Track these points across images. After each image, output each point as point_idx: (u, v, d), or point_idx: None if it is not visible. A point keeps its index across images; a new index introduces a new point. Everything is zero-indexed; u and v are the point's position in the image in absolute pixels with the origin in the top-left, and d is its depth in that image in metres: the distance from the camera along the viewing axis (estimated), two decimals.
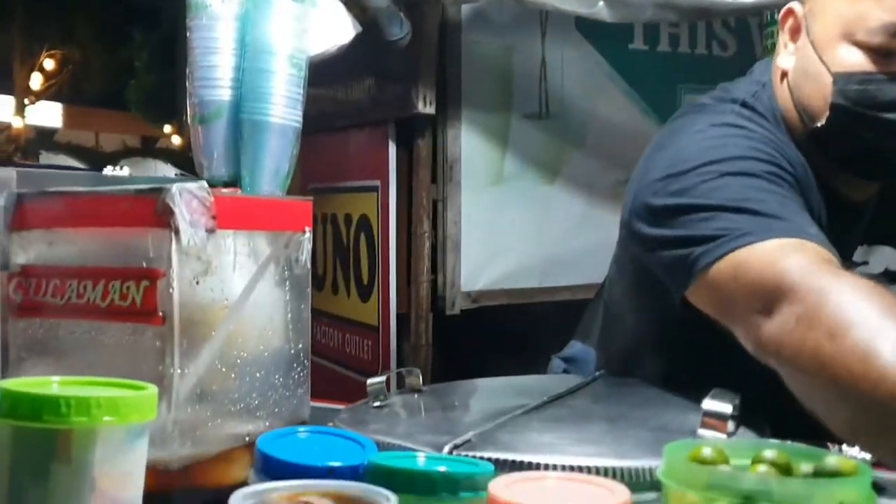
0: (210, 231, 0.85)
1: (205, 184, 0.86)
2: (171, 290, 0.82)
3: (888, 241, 1.16)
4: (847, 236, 1.11)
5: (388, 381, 0.92)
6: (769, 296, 0.83)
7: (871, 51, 0.96)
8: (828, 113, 1.00)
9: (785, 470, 0.57)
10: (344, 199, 2.72)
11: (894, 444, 0.76)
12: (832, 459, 0.56)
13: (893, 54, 0.95)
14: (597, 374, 1.01)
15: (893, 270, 1.14)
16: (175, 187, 0.82)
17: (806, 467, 0.57)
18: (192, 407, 0.84)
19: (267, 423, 0.94)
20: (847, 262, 1.10)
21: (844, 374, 0.75)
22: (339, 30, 1.38)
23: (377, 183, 2.55)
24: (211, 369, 0.87)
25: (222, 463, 0.88)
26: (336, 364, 2.76)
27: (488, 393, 0.97)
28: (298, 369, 1.00)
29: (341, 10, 1.39)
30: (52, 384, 0.76)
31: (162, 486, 0.81)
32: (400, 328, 2.47)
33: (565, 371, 1.37)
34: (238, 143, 1.28)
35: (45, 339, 0.90)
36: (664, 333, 1.06)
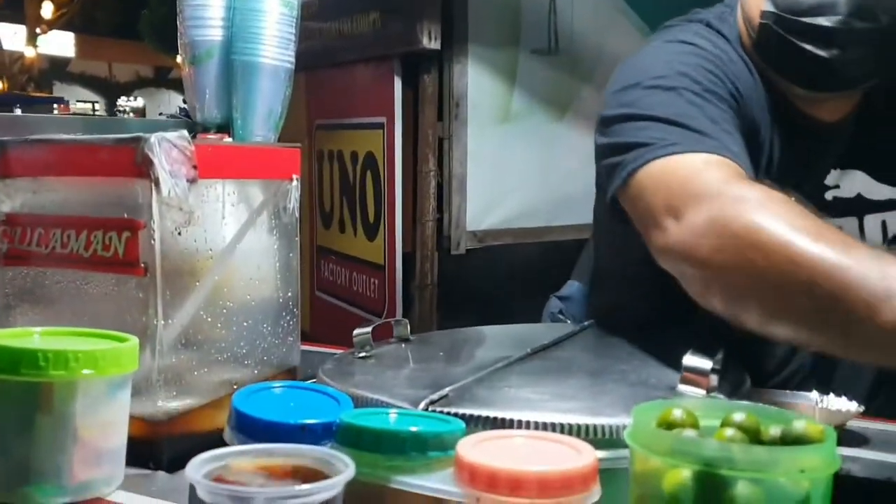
0: (191, 181, 0.84)
1: (185, 132, 0.85)
2: (152, 242, 0.82)
3: (863, 166, 1.10)
4: (814, 157, 1.07)
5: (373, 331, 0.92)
6: (685, 201, 0.84)
7: None
8: (760, 21, 1.00)
9: (753, 433, 0.56)
10: (350, 136, 2.69)
11: (803, 323, 0.77)
12: (799, 423, 0.55)
13: None
14: (586, 323, 1.00)
15: (866, 197, 1.09)
16: (154, 137, 0.81)
17: (774, 430, 0.56)
18: (177, 356, 0.84)
19: (255, 372, 0.95)
20: (817, 184, 1.09)
21: (763, 264, 0.75)
22: None
23: (383, 120, 2.51)
24: (196, 319, 0.87)
25: (210, 411, 0.89)
26: (343, 302, 2.78)
27: (475, 343, 0.97)
28: (287, 318, 1.00)
29: None
30: (33, 335, 0.77)
31: (148, 434, 0.82)
32: (406, 268, 2.47)
33: (560, 312, 1.36)
34: (230, 84, 1.27)
35: (32, 288, 0.90)
36: (627, 263, 1.07)
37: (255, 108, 1.24)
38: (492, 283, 2.52)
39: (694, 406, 0.59)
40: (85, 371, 0.70)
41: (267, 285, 0.97)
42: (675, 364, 0.79)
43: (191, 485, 0.50)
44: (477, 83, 2.37)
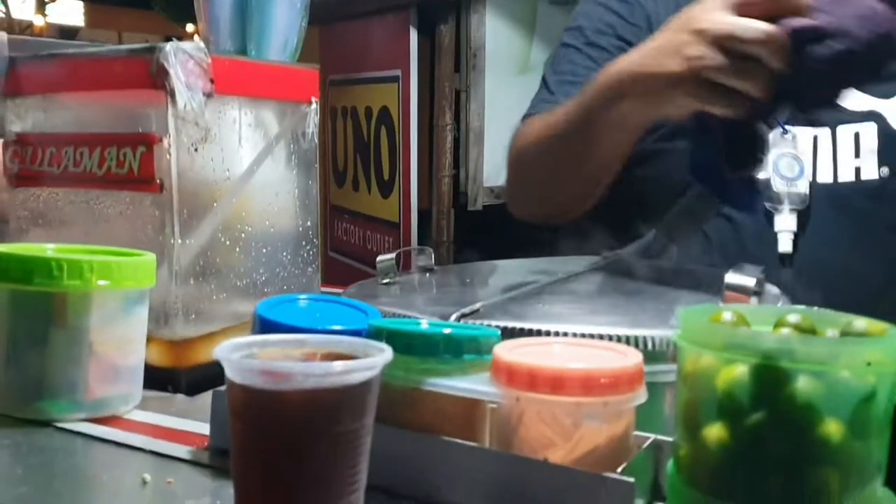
0: (208, 95, 0.81)
1: (201, 44, 0.81)
2: (168, 157, 0.78)
3: None
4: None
5: (398, 261, 0.88)
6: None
7: None
8: None
9: (809, 333, 0.53)
10: (364, 91, 2.65)
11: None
12: (860, 322, 0.52)
13: None
14: (617, 251, 0.96)
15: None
16: (169, 46, 0.78)
17: (832, 332, 0.53)
18: (194, 280, 0.82)
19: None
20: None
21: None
22: None
23: (398, 73, 2.47)
24: (214, 242, 0.84)
25: (228, 338, 0.86)
26: (357, 262, 2.75)
27: (503, 271, 0.94)
28: (307, 247, 0.97)
29: None
30: (46, 251, 0.74)
31: (167, 358, 0.80)
32: (421, 225, 2.43)
33: None
34: (244, 14, 1.23)
35: (44, 209, 0.87)
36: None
37: (270, 38, 1.20)
38: (509, 240, 2.47)
39: (744, 310, 0.56)
40: (100, 282, 0.67)
41: (286, 213, 0.94)
42: (713, 285, 0.75)
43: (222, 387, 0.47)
44: (495, 33, 2.32)
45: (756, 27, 0.73)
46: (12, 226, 0.89)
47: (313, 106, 0.96)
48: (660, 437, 0.56)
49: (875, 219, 0.99)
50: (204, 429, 0.67)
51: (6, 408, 0.69)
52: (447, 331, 0.55)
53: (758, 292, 0.71)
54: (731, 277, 0.71)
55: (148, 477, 0.57)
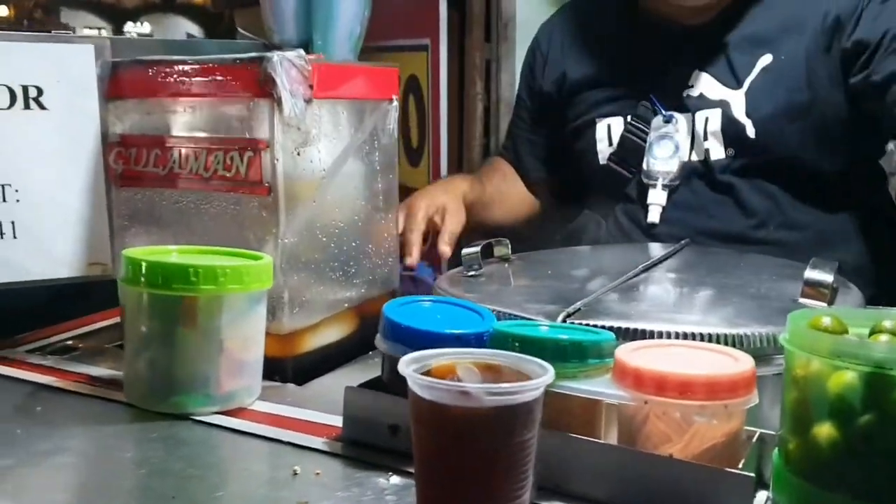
0: (308, 101, 0.85)
1: (302, 52, 0.85)
2: (275, 161, 0.83)
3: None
4: (671, 61, 1.20)
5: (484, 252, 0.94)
6: None
7: None
8: None
9: None
10: (392, 59, 2.66)
11: None
12: None
13: None
14: (683, 241, 1.02)
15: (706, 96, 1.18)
16: (276, 56, 0.82)
17: None
18: (297, 275, 0.87)
19: (363, 291, 0.98)
20: (676, 85, 1.19)
21: None
22: None
23: (427, 41, 2.48)
24: (312, 238, 0.89)
25: (326, 327, 0.92)
26: None
27: (577, 261, 0.99)
28: (388, 238, 1.02)
29: None
30: (171, 253, 0.79)
31: (275, 350, 0.85)
32: None
33: None
34: (308, 5, 1.26)
35: (147, 209, 0.92)
36: None
37: (335, 29, 1.24)
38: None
39: (840, 314, 0.61)
40: (231, 286, 0.73)
41: (371, 205, 0.98)
42: (786, 277, 0.81)
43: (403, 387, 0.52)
44: (526, 3, 2.33)
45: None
46: (115, 224, 0.93)
47: (394, 103, 1.00)
48: (764, 431, 0.62)
49: (724, 191, 1.15)
50: (323, 418, 0.73)
51: (145, 402, 0.75)
52: (575, 337, 0.61)
53: (835, 288, 0.77)
54: (811, 273, 0.76)
55: (298, 469, 0.63)
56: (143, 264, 0.72)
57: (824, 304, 0.75)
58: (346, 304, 0.95)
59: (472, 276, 0.90)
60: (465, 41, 2.38)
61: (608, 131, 1.25)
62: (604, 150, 1.25)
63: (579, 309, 0.72)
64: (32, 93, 0.87)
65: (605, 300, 0.75)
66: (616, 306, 0.73)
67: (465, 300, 0.71)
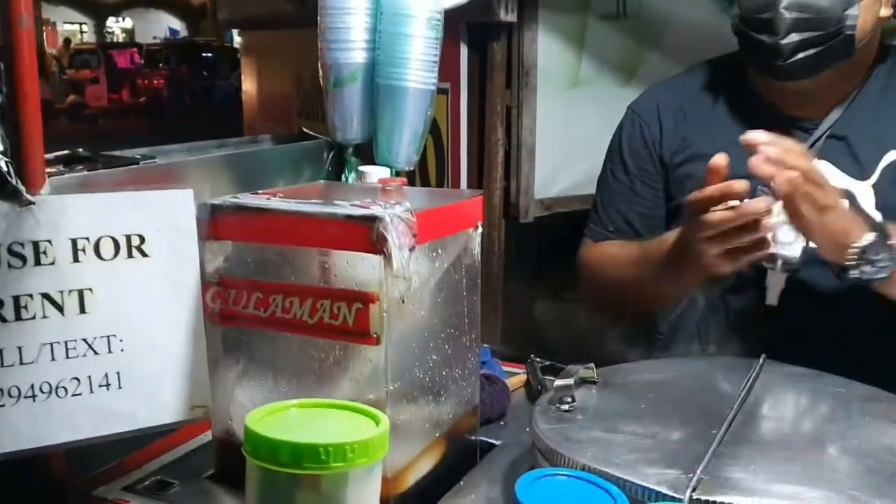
0: (412, 250, 0.87)
1: (409, 206, 0.86)
2: (383, 313, 0.85)
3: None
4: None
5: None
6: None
7: None
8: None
9: None
10: None
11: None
12: None
13: None
14: (761, 360, 1.04)
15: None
16: (388, 216, 0.83)
17: None
18: (401, 417, 0.88)
19: (451, 415, 1.00)
20: None
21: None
22: None
23: (447, 85, 2.49)
24: (412, 377, 0.91)
25: (421, 460, 0.94)
26: None
27: (664, 388, 1.00)
28: (472, 358, 1.04)
29: None
30: (289, 409, 0.80)
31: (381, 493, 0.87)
32: None
33: None
34: (372, 105, 1.28)
35: (246, 347, 0.93)
36: None
37: (401, 131, 1.26)
38: (559, 251, 2.55)
39: None
40: (359, 461, 0.74)
41: (459, 331, 1.00)
42: (878, 419, 0.84)
43: None
44: (546, 50, 2.35)
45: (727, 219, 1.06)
46: (216, 364, 0.94)
47: (479, 230, 1.01)
48: None
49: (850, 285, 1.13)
50: None
51: None
52: None
53: None
54: None
55: None
56: (272, 443, 0.73)
57: None
58: (438, 433, 0.97)
59: (566, 411, 0.92)
60: (487, 86, 2.39)
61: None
62: None
63: (701, 479, 0.74)
64: (135, 241, 0.88)
65: (718, 464, 0.77)
66: (736, 475, 0.75)
67: (594, 476, 0.72)
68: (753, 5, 1.22)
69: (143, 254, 0.89)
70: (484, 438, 1.07)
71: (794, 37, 1.19)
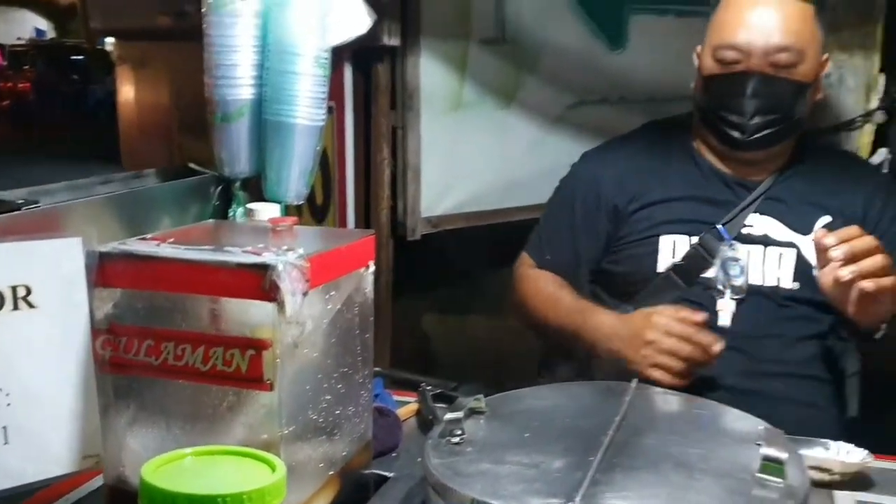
0: (305, 295, 0.89)
1: (301, 251, 0.88)
2: (277, 359, 0.87)
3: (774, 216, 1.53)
4: (725, 207, 1.51)
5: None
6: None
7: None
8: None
9: None
10: None
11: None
12: None
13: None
14: (633, 383, 1.12)
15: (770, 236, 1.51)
16: (280, 264, 0.85)
17: None
18: (296, 459, 0.90)
19: (345, 452, 1.02)
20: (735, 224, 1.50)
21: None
22: (355, 19, 1.36)
23: (331, 105, 2.51)
24: (307, 420, 0.93)
25: (315, 500, 0.96)
26: None
27: (547, 416, 1.06)
28: (364, 394, 1.07)
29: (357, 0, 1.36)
30: (185, 457, 0.81)
31: None
32: None
33: None
34: (261, 141, 1.29)
35: (136, 393, 0.93)
36: None
37: (290, 166, 1.28)
38: (447, 268, 2.61)
39: None
40: None
41: (352, 369, 1.03)
42: (736, 442, 0.93)
43: None
44: (429, 74, 2.40)
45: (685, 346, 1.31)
46: (100, 405, 0.93)
47: (371, 269, 1.04)
48: None
49: (788, 313, 1.46)
50: None
51: None
52: None
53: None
54: (767, 451, 0.88)
55: None
56: (168, 495, 0.74)
57: (779, 481, 0.87)
58: (332, 471, 0.99)
59: (456, 443, 0.96)
60: (372, 108, 2.43)
61: (673, 246, 1.50)
62: (664, 261, 1.50)
63: None
64: (21, 293, 0.87)
65: (595, 491, 0.83)
66: (611, 500, 0.82)
67: None
68: (721, 92, 1.45)
69: (30, 305, 0.87)
70: (377, 471, 1.10)
71: (758, 119, 1.43)
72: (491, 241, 2.56)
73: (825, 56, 1.51)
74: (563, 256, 1.63)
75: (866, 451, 1.09)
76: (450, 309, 2.88)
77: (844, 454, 1.08)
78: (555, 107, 2.61)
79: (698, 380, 1.39)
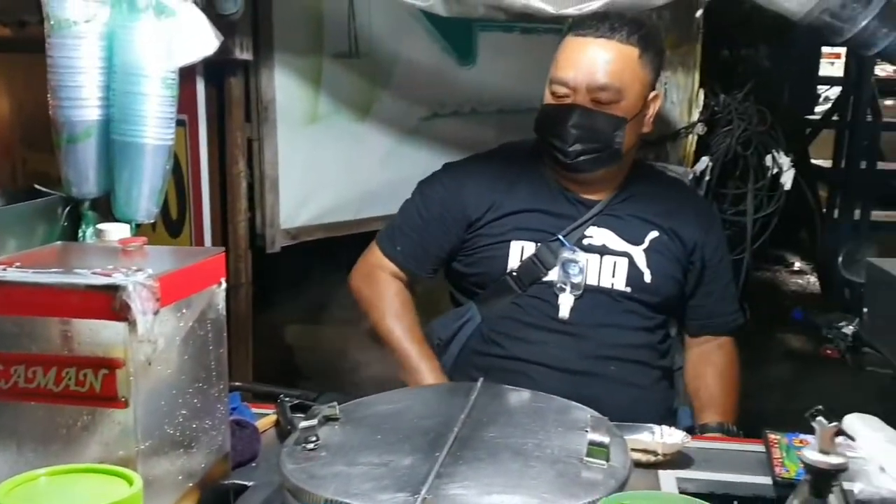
0: (156, 314, 0.92)
1: (150, 271, 0.91)
2: (130, 377, 0.89)
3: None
4: (568, 220, 1.68)
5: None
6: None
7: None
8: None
9: None
10: None
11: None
12: None
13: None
14: (478, 384, 1.20)
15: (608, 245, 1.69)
16: (130, 284, 0.88)
17: None
18: (153, 473, 0.93)
19: (203, 465, 1.05)
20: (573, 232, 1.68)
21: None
22: (202, 41, 1.38)
23: (184, 117, 2.49)
24: (163, 435, 0.96)
25: None
26: None
27: (398, 420, 1.12)
28: (220, 407, 1.10)
29: (204, 21, 1.38)
30: (39, 478, 0.83)
31: None
32: None
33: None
34: (109, 161, 1.30)
35: None
36: None
37: (140, 185, 1.29)
38: (306, 278, 2.64)
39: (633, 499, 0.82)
40: None
41: (207, 384, 1.06)
42: (568, 429, 1.03)
43: None
44: (284, 87, 2.42)
45: None
46: None
47: (223, 285, 1.08)
48: None
49: (621, 307, 1.66)
50: None
51: None
52: None
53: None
54: (593, 436, 0.98)
55: None
56: None
57: (603, 463, 0.97)
58: (191, 483, 1.02)
59: (311, 449, 1.01)
60: (226, 120, 2.43)
61: (521, 251, 1.67)
62: (513, 264, 1.67)
63: (425, 499, 0.87)
64: None
65: (440, 485, 0.90)
66: (453, 490, 0.89)
67: None
68: (550, 120, 1.63)
69: None
70: (237, 481, 1.13)
71: (578, 146, 1.60)
72: (350, 251, 2.61)
73: (653, 93, 1.67)
74: (410, 250, 1.78)
75: (684, 433, 1.22)
76: (312, 319, 2.90)
77: (667, 436, 1.21)
78: (409, 119, 2.69)
79: (541, 364, 1.61)
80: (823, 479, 0.76)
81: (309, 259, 2.64)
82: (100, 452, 0.91)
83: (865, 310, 1.26)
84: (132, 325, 0.88)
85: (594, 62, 1.58)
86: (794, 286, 5.20)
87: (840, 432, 0.87)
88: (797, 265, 5.46)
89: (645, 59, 1.61)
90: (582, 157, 1.61)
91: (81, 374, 0.89)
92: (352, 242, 2.63)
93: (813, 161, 4.80)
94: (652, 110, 1.68)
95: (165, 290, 0.94)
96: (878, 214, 4.49)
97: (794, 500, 0.79)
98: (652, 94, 1.67)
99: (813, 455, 0.77)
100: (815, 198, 4.12)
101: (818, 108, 5.51)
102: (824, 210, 4.61)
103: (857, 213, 4.41)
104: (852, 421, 1.23)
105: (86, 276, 0.90)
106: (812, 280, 5.19)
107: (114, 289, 0.87)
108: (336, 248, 2.64)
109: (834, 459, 0.77)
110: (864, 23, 1.54)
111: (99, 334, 0.90)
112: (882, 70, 6.34)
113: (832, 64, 6.14)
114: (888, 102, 5.89)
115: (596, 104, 1.59)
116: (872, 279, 1.22)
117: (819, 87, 5.81)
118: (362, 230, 2.66)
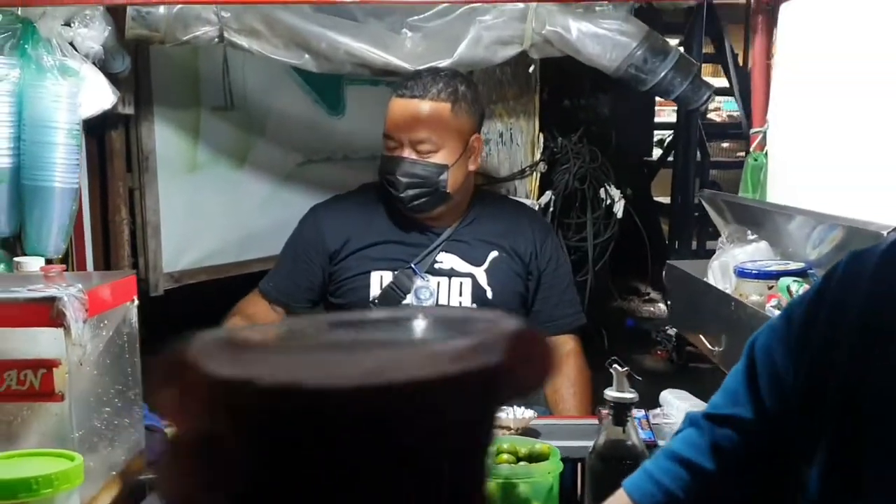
0: (85, 322, 1.09)
1: (81, 286, 1.09)
2: (66, 375, 1.06)
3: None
4: (420, 248, 1.92)
5: None
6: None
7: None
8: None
9: (514, 454, 1.04)
10: None
11: None
12: (538, 446, 1.04)
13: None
14: None
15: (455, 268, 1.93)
16: (65, 296, 1.05)
17: (524, 450, 1.05)
18: (87, 458, 1.09)
19: (123, 458, 1.22)
20: (424, 260, 1.91)
21: None
22: (102, 96, 1.56)
23: None
24: (92, 427, 1.12)
25: (103, 496, 1.15)
26: None
27: None
28: (136, 409, 1.27)
29: (102, 79, 1.56)
30: None
31: None
32: None
33: None
34: (19, 204, 1.45)
35: None
36: None
37: (50, 225, 1.46)
38: (191, 319, 2.76)
39: None
40: (64, 486, 0.96)
41: (125, 387, 1.23)
42: None
43: None
44: (164, 139, 2.58)
45: None
46: None
47: (135, 302, 1.25)
48: None
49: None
50: None
51: None
52: None
53: None
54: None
55: None
56: None
57: None
58: (114, 473, 1.19)
59: None
60: (108, 171, 2.56)
61: (381, 280, 1.88)
62: (374, 292, 1.89)
63: None
64: None
65: None
66: None
67: None
68: (386, 170, 1.85)
69: None
70: (151, 476, 1.29)
71: (409, 191, 1.82)
72: (232, 292, 2.77)
73: (474, 136, 1.89)
74: (283, 285, 2.01)
75: (532, 412, 1.47)
76: None
77: (519, 414, 1.45)
78: (284, 166, 2.90)
79: None
80: (621, 409, 1.02)
81: (196, 302, 2.77)
82: (39, 442, 1.06)
83: (669, 302, 1.57)
84: (67, 330, 1.05)
85: (413, 119, 1.82)
86: (646, 312, 5.67)
87: (631, 375, 1.13)
88: (651, 294, 5.95)
89: (457, 110, 1.83)
90: (415, 202, 1.84)
91: (22, 374, 1.05)
92: (238, 284, 2.80)
93: (655, 198, 5.30)
94: (477, 150, 1.91)
95: (90, 304, 1.11)
96: (712, 244, 4.98)
97: (602, 430, 1.05)
98: (473, 137, 1.89)
99: (613, 393, 1.03)
100: (657, 231, 4.57)
101: (657, 151, 6.06)
102: (667, 242, 5.09)
103: (693, 244, 4.90)
104: (666, 395, 1.53)
105: (24, 292, 1.06)
106: (661, 306, 5.67)
107: (51, 300, 1.04)
108: (222, 291, 2.80)
109: (628, 395, 1.03)
110: (662, 73, 1.89)
111: (36, 339, 1.06)
112: (717, 116, 7.06)
113: (675, 111, 6.72)
114: (725, 145, 6.57)
115: (420, 154, 1.83)
116: (671, 277, 1.52)
117: (657, 131, 6.38)
118: (244, 272, 2.82)
